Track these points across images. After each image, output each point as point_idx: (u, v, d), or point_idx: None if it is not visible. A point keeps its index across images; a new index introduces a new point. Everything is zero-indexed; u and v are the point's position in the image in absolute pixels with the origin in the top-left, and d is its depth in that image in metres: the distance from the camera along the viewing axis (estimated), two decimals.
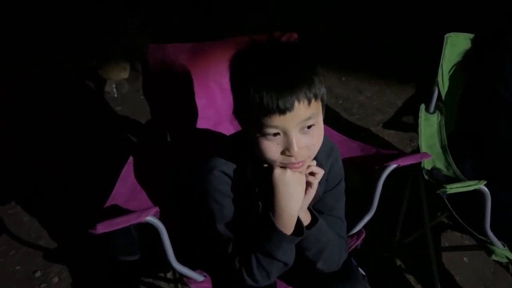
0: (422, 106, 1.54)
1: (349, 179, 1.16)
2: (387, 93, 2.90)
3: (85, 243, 1.83)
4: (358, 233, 1.27)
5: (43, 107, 2.72)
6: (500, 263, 1.78)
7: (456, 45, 1.50)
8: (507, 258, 1.27)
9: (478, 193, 1.23)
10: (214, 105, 1.46)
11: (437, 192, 1.23)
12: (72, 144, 2.43)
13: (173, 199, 1.33)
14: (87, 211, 1.94)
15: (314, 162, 0.97)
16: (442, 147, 1.47)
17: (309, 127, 0.87)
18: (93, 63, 3.04)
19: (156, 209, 1.06)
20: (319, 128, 0.91)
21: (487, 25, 1.51)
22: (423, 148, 1.45)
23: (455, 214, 1.36)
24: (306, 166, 0.93)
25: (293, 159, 0.88)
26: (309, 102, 0.85)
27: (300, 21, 3.65)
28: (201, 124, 1.45)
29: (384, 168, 1.21)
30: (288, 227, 0.95)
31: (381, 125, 2.61)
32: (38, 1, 3.83)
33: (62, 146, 2.42)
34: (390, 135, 2.54)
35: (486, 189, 1.21)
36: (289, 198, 0.93)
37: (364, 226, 1.27)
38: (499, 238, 1.29)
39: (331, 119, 2.80)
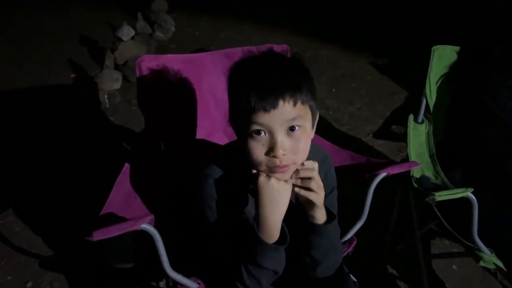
0: (411, 116, 1.58)
1: (339, 187, 1.18)
2: (377, 104, 2.94)
3: (77, 252, 1.84)
4: (350, 241, 1.29)
5: (36, 116, 2.72)
6: (489, 271, 1.82)
7: (443, 57, 1.54)
8: (495, 264, 1.30)
9: (465, 200, 1.26)
10: (208, 115, 1.48)
11: (426, 199, 1.26)
12: (65, 154, 2.43)
13: (167, 207, 1.34)
14: (79, 221, 1.97)
15: (314, 165, 0.97)
16: (431, 156, 1.51)
17: (293, 128, 0.90)
18: (86, 73, 3.06)
19: (151, 216, 1.06)
20: (306, 134, 0.93)
21: (475, 38, 1.56)
22: (412, 157, 1.49)
23: (443, 221, 1.39)
24: (291, 173, 0.94)
25: (277, 162, 0.90)
26: (295, 103, 0.88)
27: (291, 33, 3.72)
28: (195, 133, 1.47)
29: (374, 176, 1.24)
30: (271, 236, 0.96)
31: (371, 135, 2.65)
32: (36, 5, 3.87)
33: (54, 155, 2.42)
34: (380, 145, 2.58)
35: (473, 196, 1.24)
36: (272, 206, 0.94)
37: (355, 234, 1.29)
38: (486, 245, 1.32)
39: (322, 129, 2.82)
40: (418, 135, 1.56)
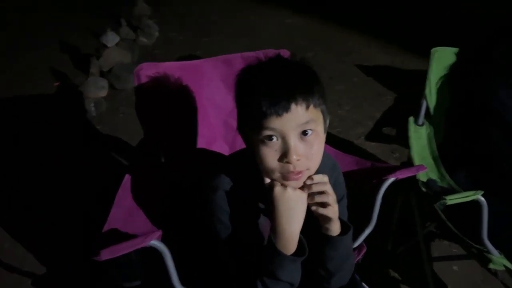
0: (411, 119, 1.57)
1: None
2: (365, 106, 2.95)
3: (73, 269, 1.77)
4: (359, 248, 1.27)
5: (19, 125, 2.64)
6: (489, 270, 1.82)
7: (442, 59, 1.54)
8: (504, 266, 1.30)
9: (474, 203, 1.25)
10: (208, 123, 1.45)
11: (436, 204, 1.24)
12: (49, 166, 2.35)
13: (170, 220, 1.30)
14: (71, 235, 1.90)
15: (324, 178, 0.94)
16: (434, 159, 1.50)
17: (306, 132, 0.87)
18: (70, 81, 2.99)
19: (160, 232, 1.03)
20: (319, 139, 0.91)
21: (474, 41, 1.57)
22: (417, 161, 1.47)
23: (449, 224, 1.38)
24: (304, 179, 0.92)
25: (291, 167, 0.88)
26: (307, 107, 0.86)
27: (277, 36, 3.71)
28: (195, 142, 1.43)
29: (382, 182, 1.22)
30: (289, 247, 0.93)
31: (362, 137, 2.64)
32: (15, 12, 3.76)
33: (43, 167, 2.35)
34: (372, 147, 2.57)
35: (483, 199, 1.23)
36: (289, 216, 0.91)
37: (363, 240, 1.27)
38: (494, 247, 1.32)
39: None
40: (419, 138, 1.55)
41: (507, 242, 1.32)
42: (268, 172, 0.91)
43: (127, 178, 1.27)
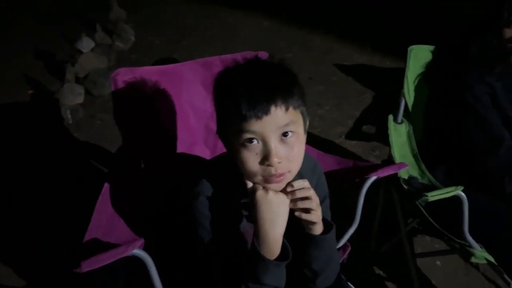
0: (390, 117, 1.58)
1: None
2: (345, 105, 2.97)
3: (53, 279, 1.72)
4: (344, 247, 1.27)
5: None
6: (471, 264, 1.84)
7: (419, 57, 1.56)
8: (486, 259, 1.31)
9: (455, 198, 1.26)
10: (188, 127, 1.43)
11: (418, 200, 1.25)
12: (26, 177, 2.30)
13: (153, 225, 1.28)
14: (50, 246, 1.85)
15: (305, 183, 0.94)
16: (414, 156, 1.51)
17: (286, 134, 0.87)
18: (45, 88, 2.92)
19: (142, 241, 1.01)
20: (299, 140, 0.91)
21: (450, 38, 1.58)
22: (397, 158, 1.48)
23: (431, 220, 1.39)
24: (286, 182, 0.91)
25: (272, 170, 0.87)
26: (287, 109, 0.86)
27: (253, 38, 3.71)
28: (175, 146, 1.41)
29: (364, 180, 1.22)
30: (272, 252, 0.92)
31: (343, 136, 2.66)
32: None
33: (19, 176, 2.29)
34: (352, 146, 2.59)
35: (464, 194, 1.25)
36: (272, 219, 0.91)
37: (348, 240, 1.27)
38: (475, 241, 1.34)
39: None
40: (399, 136, 1.56)
41: (488, 236, 1.34)
42: (250, 176, 0.90)
43: (107, 185, 1.24)
